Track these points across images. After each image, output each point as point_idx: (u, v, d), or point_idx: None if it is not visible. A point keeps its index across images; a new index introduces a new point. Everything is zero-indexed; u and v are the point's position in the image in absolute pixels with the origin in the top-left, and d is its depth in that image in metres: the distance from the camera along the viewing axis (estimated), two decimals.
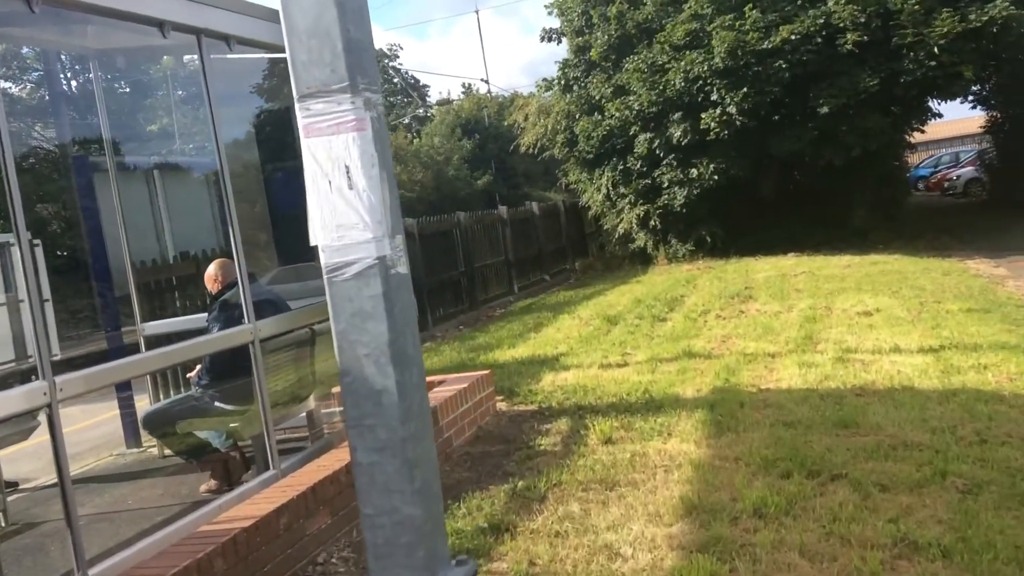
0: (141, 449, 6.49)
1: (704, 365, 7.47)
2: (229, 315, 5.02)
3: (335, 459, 4.86)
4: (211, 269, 5.53)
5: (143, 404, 6.60)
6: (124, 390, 6.51)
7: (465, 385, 6.28)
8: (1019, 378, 6.06)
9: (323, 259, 2.93)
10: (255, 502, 4.28)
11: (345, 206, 2.72)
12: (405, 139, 35.19)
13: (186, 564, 3.51)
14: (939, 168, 38.44)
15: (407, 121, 43.56)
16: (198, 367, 5.38)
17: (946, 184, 33.85)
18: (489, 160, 36.99)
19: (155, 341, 6.49)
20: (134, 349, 6.29)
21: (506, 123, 23.35)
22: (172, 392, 7.30)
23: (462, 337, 11.75)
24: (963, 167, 34.25)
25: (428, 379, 6.76)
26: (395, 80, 46.55)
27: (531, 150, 22.20)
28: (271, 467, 4.65)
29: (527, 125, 22.96)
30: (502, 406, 6.95)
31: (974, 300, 9.65)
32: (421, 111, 47.32)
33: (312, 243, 2.87)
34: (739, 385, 6.67)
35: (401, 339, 2.97)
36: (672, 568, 3.71)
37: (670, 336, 9.13)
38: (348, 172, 2.63)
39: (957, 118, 34.25)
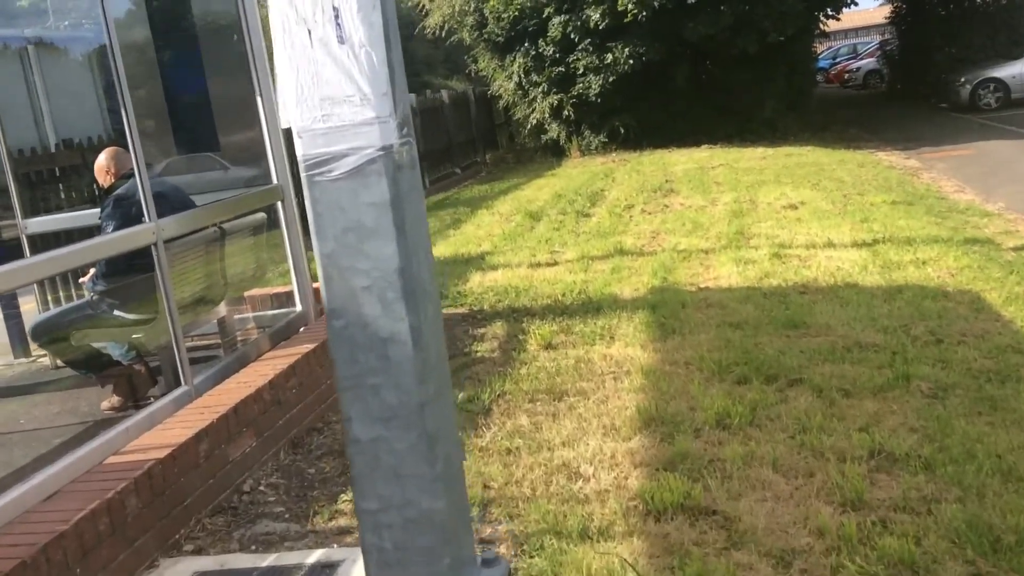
0: (31, 359, 5.83)
1: (638, 263, 7.18)
2: (125, 212, 4.37)
3: (256, 374, 4.36)
4: (101, 159, 4.82)
5: (30, 309, 5.92)
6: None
7: None
8: (960, 273, 5.99)
9: (300, 148, 2.12)
10: (169, 426, 3.77)
11: (334, 68, 1.93)
12: None
13: (94, 507, 3.01)
14: (838, 60, 38.87)
15: None
16: (91, 271, 4.73)
17: (846, 76, 34.29)
18: None
19: (39, 240, 5.83)
20: (16, 248, 5.58)
21: (409, 3, 22.04)
22: (62, 294, 6.58)
23: None
24: (862, 59, 34.70)
25: None
26: None
27: (437, 32, 21.09)
28: (183, 383, 4.13)
29: (432, 6, 21.73)
30: None
31: (895, 192, 9.64)
32: None
33: (283, 125, 2.05)
34: (677, 284, 6.41)
35: (414, 264, 2.19)
36: (641, 489, 3.43)
37: (597, 232, 8.80)
38: (338, 16, 1.82)
39: (857, 10, 34.53)
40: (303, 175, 2.14)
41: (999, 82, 18.62)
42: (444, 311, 6.40)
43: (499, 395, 4.63)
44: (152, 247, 3.99)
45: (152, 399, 4.34)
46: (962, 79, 19.17)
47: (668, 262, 7.04)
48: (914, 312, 5.23)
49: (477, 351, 5.43)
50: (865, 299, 5.57)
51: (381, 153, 2.08)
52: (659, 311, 5.73)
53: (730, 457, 3.61)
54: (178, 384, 4.14)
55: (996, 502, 3.04)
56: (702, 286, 6.34)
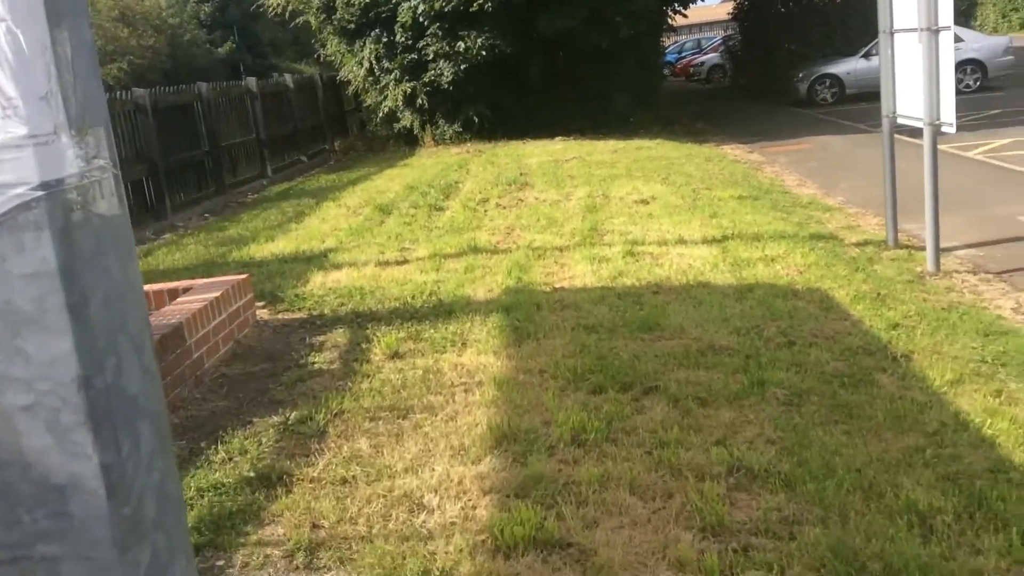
0: None
1: (492, 261, 6.87)
2: None
3: None
4: None
5: None
6: None
7: (218, 293, 5.25)
8: (807, 270, 6.01)
9: None
10: None
11: None
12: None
13: None
14: (683, 54, 40.11)
15: None
16: None
17: (692, 70, 35.37)
18: (231, 26, 33.68)
19: None
20: None
21: None
22: None
23: (209, 227, 10.37)
24: (707, 54, 35.88)
25: (172, 285, 5.65)
26: None
27: (281, 14, 20.08)
28: None
29: None
30: (264, 314, 5.99)
31: (741, 187, 9.77)
32: None
33: None
34: (532, 284, 6.14)
35: (109, 369, 1.45)
36: (490, 522, 3.11)
37: (451, 227, 8.44)
38: None
39: (702, 5, 35.70)
40: None
41: (835, 78, 19.52)
42: (280, 316, 5.90)
43: (336, 414, 4.21)
44: None
45: None
46: (800, 75, 19.99)
47: (523, 260, 6.77)
48: (765, 312, 5.16)
49: (314, 362, 4.97)
50: (717, 299, 5.47)
51: (42, 193, 1.33)
52: (513, 314, 5.44)
53: (586, 479, 3.35)
54: None
55: (859, 523, 2.90)
56: (557, 286, 6.10)
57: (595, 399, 4.12)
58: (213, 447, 3.95)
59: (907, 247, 6.87)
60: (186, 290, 5.42)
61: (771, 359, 4.42)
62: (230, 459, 3.84)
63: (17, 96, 1.31)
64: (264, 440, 3.98)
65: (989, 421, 3.55)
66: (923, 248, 6.55)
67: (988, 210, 7.93)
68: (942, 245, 6.29)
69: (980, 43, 18.98)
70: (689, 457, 3.47)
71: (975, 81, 18.17)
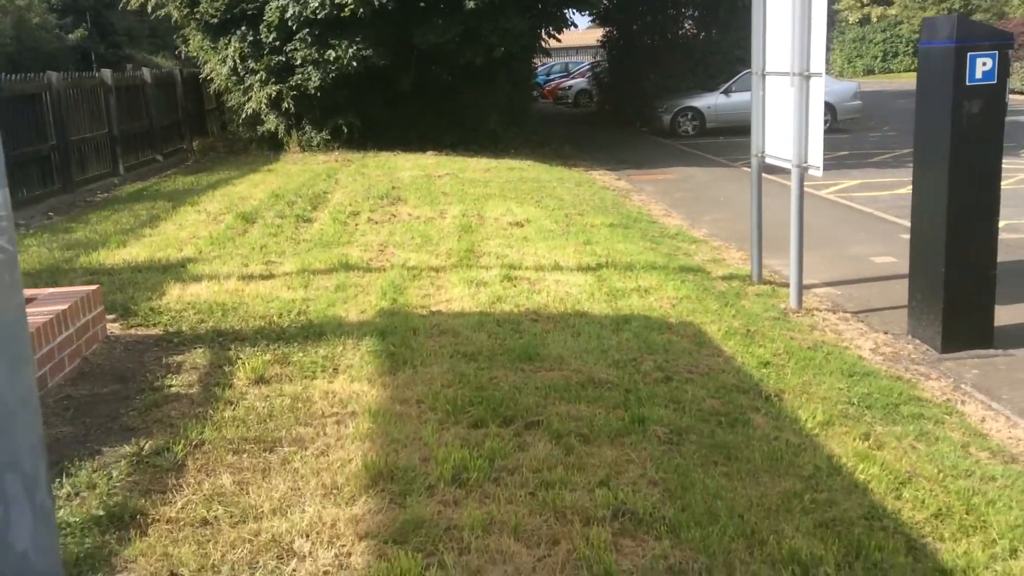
0: None
1: (365, 280, 6.62)
2: None
3: None
4: None
5: None
6: None
7: (65, 306, 4.79)
8: (680, 303, 6.10)
9: None
10: None
11: None
12: None
13: None
14: (551, 77, 40.81)
15: None
16: None
17: (559, 93, 36.04)
18: (83, 12, 31.70)
19: None
20: None
21: None
22: None
23: (54, 228, 9.59)
24: (574, 78, 36.66)
25: None
26: None
27: (142, 5, 19.05)
28: None
29: None
30: (114, 329, 5.52)
31: (612, 214, 9.91)
32: None
33: None
34: (408, 306, 5.95)
35: None
36: (366, 571, 2.92)
37: (320, 241, 8.10)
38: None
39: (572, 31, 36.44)
40: None
41: (696, 111, 20.28)
42: (132, 332, 5.47)
43: (196, 445, 3.88)
44: None
45: None
46: (664, 106, 20.66)
47: (398, 280, 6.56)
48: (642, 345, 5.18)
49: (171, 386, 4.59)
50: (595, 329, 5.46)
51: None
52: (389, 338, 5.23)
53: (468, 523, 3.20)
54: None
55: (744, 573, 2.89)
56: (434, 309, 5.93)
57: (476, 434, 3.98)
58: (57, 480, 3.55)
59: (770, 283, 7.12)
60: (30, 300, 4.91)
61: (650, 394, 4.42)
62: (77, 494, 3.46)
63: None
64: (115, 473, 3.61)
65: (861, 466, 3.65)
66: (786, 284, 6.81)
67: (843, 249, 8.35)
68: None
69: (831, 86, 20.12)
70: (574, 499, 3.39)
71: (825, 123, 19.24)
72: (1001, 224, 5.67)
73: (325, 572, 2.96)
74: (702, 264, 7.65)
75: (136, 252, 7.80)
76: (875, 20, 44.73)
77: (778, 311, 6.28)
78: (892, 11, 43.34)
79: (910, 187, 5.95)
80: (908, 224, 6.06)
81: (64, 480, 3.56)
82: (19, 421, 1.24)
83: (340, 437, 3.97)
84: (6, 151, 10.22)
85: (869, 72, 44.50)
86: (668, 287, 6.47)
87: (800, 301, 6.42)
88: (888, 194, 11.23)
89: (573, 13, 19.14)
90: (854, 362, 5.11)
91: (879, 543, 3.04)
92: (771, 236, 7.29)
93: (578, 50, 54.61)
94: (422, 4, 15.58)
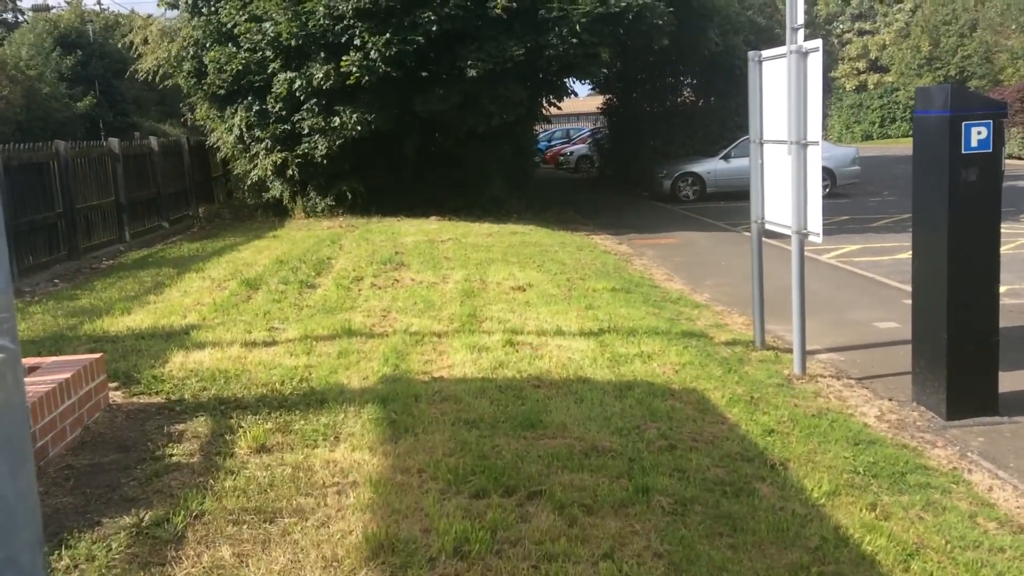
0: None
1: (368, 346, 6.62)
2: None
3: None
4: None
5: None
6: None
7: (68, 375, 4.79)
8: (683, 369, 6.09)
9: None
10: None
11: None
12: None
13: None
14: (553, 143, 41.36)
15: None
16: None
17: (560, 158, 36.48)
18: (93, 81, 32.32)
19: None
20: None
21: (120, 44, 20.19)
22: None
23: (59, 295, 9.64)
24: (575, 144, 37.16)
25: None
26: None
27: (150, 77, 19.46)
28: None
29: (146, 50, 20.03)
30: (117, 397, 5.51)
31: (614, 279, 9.95)
32: (10, 16, 40.23)
33: None
34: (410, 372, 5.94)
35: None
36: None
37: (323, 307, 8.14)
38: None
39: (573, 98, 37.09)
40: None
41: (697, 176, 20.51)
42: (135, 400, 5.46)
43: (196, 516, 3.84)
44: None
45: None
46: (664, 171, 20.90)
47: (400, 346, 6.57)
48: (645, 412, 5.15)
49: (172, 455, 4.56)
50: (598, 396, 5.44)
51: None
52: (390, 405, 5.21)
53: None
54: None
55: None
56: (436, 375, 5.92)
57: (478, 504, 3.94)
58: (56, 552, 3.51)
59: (773, 348, 7.11)
60: (33, 369, 4.92)
61: (654, 463, 4.38)
62: (75, 566, 3.42)
63: None
64: (115, 545, 3.57)
65: (868, 537, 3.60)
66: (789, 350, 6.80)
67: (845, 314, 8.36)
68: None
69: (830, 152, 20.43)
70: (577, 572, 3.34)
71: (824, 188, 19.47)
72: (1002, 289, 5.69)
73: None
74: (705, 329, 7.66)
75: (140, 319, 7.83)
76: (872, 87, 45.47)
77: (782, 377, 6.26)
78: (888, 78, 44.08)
79: (911, 252, 5.98)
80: (910, 289, 6.08)
81: (63, 552, 3.52)
82: (19, 518, 1.24)
83: (341, 507, 3.93)
84: (14, 218, 10.34)
85: (867, 137, 45.09)
86: (671, 353, 6.47)
87: (804, 367, 6.41)
88: (889, 259, 11.28)
89: (573, 82, 19.50)
90: (859, 430, 5.08)
91: None
92: (773, 301, 7.31)
93: (579, 116, 55.47)
94: (424, 74, 15.89)
